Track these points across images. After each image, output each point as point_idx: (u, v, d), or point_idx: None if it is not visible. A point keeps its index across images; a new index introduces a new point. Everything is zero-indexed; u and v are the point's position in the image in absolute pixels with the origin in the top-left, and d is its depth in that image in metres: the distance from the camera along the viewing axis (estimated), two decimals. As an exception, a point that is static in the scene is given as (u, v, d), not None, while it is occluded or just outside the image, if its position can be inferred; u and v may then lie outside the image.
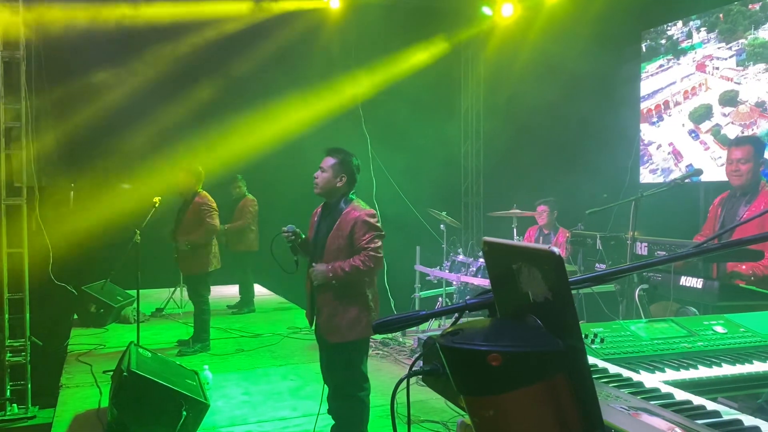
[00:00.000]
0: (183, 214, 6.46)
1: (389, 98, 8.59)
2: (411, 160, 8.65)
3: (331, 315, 3.61)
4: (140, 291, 5.83)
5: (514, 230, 6.73)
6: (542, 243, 6.68)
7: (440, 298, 7.11)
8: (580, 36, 7.39)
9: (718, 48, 6.39)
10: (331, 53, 8.91)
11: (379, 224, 3.63)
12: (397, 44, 9.00)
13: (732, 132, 6.16)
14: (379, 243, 3.56)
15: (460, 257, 6.68)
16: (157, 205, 6.09)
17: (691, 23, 6.67)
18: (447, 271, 6.76)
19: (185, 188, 6.47)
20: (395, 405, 1.33)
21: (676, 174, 6.65)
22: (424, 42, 9.19)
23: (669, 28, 6.95)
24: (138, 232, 5.82)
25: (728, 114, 6.27)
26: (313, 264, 3.62)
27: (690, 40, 6.70)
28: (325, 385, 3.82)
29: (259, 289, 9.21)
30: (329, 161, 3.64)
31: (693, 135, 6.66)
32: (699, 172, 3.78)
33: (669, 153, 6.93)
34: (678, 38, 6.85)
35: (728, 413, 1.24)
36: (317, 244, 3.67)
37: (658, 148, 7.06)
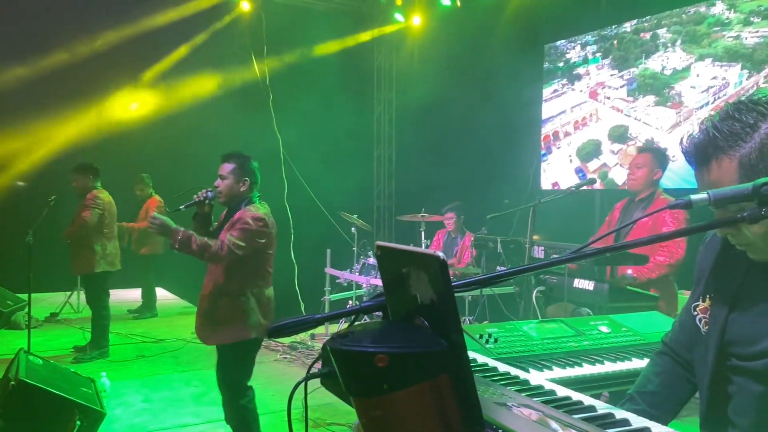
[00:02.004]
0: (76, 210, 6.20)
1: (302, 101, 8.54)
2: (323, 163, 8.63)
3: (207, 315, 3.51)
4: (33, 295, 5.51)
5: (422, 234, 6.86)
6: (449, 246, 6.86)
7: (350, 301, 7.14)
8: (489, 45, 7.66)
9: (611, 75, 6.63)
10: (243, 55, 8.78)
11: (260, 229, 3.44)
12: (309, 47, 8.97)
13: (619, 176, 6.25)
14: (243, 243, 3.36)
15: (371, 260, 6.73)
16: (52, 203, 5.78)
17: (588, 48, 6.99)
18: (357, 273, 6.80)
19: (81, 187, 6.19)
20: (305, 409, 1.33)
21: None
22: (338, 43, 9.22)
23: (567, 50, 7.26)
24: (31, 232, 5.50)
25: (617, 152, 6.38)
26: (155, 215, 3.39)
27: (586, 67, 6.95)
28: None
29: (162, 293, 8.92)
30: (227, 167, 3.53)
31: (580, 174, 6.79)
32: (592, 181, 4.02)
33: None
34: (574, 62, 7.13)
35: (602, 407, 1.33)
36: None
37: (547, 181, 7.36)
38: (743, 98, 1.32)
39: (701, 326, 1.46)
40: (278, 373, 5.57)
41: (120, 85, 8.81)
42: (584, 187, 3.97)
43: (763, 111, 1.26)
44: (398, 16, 9.38)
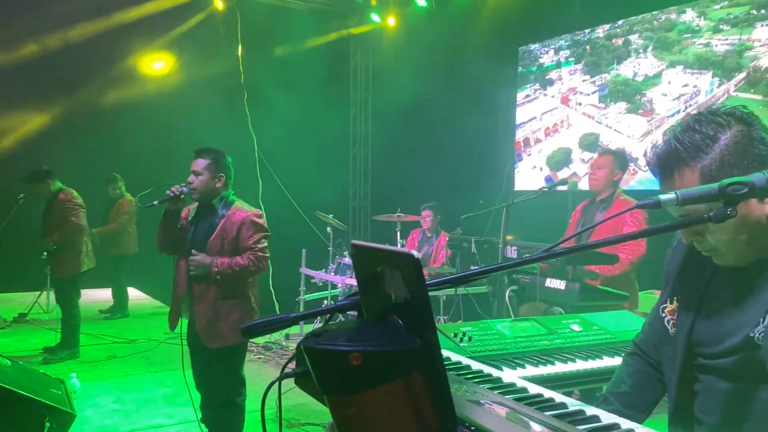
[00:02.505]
0: (48, 213, 6.06)
1: (278, 100, 8.50)
2: (299, 163, 8.60)
3: (212, 319, 3.45)
4: (1, 294, 5.40)
5: (398, 233, 6.87)
6: (424, 246, 6.88)
7: (325, 301, 7.12)
8: (466, 46, 7.71)
9: (583, 81, 6.68)
10: (218, 53, 8.71)
11: (266, 225, 3.57)
12: (285, 46, 8.93)
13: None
14: (266, 244, 3.50)
15: (346, 260, 6.73)
16: (21, 202, 5.67)
17: (561, 52, 7.06)
18: (333, 273, 6.79)
19: (44, 194, 6.07)
20: (279, 409, 1.33)
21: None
22: (314, 43, 9.19)
23: (541, 54, 7.33)
24: (-2, 231, 5.39)
25: (587, 161, 6.35)
26: (193, 251, 3.41)
27: (558, 71, 7.02)
28: (199, 393, 3.68)
29: (134, 293, 8.81)
30: (201, 163, 3.48)
31: (549, 182, 6.79)
32: (565, 182, 4.07)
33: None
34: (546, 66, 7.19)
35: (573, 404, 1.36)
36: (194, 246, 3.48)
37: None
38: (703, 110, 1.35)
39: (669, 327, 1.49)
40: (252, 374, 5.50)
41: (90, 80, 8.66)
42: (557, 188, 4.02)
43: (722, 122, 1.29)
44: (374, 17, 9.39)
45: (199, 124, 7.86)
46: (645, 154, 1.41)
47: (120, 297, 8.26)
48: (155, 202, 3.52)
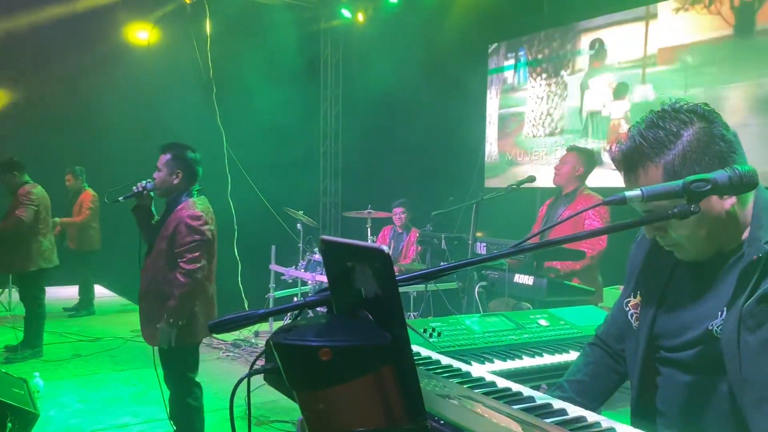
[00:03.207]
0: (9, 206, 5.94)
1: (247, 95, 8.42)
2: (268, 159, 8.53)
3: (153, 316, 3.40)
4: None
5: (369, 230, 6.87)
6: (395, 242, 6.90)
7: (295, 298, 7.09)
8: (436, 43, 7.73)
9: (548, 82, 6.89)
10: (186, 47, 8.58)
11: (204, 228, 3.36)
12: (255, 41, 8.84)
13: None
14: (197, 253, 3.29)
15: (317, 256, 6.70)
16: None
17: (526, 51, 7.17)
18: (303, 270, 6.76)
19: (9, 186, 5.94)
20: (248, 406, 1.32)
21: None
22: (283, 38, 9.12)
23: (509, 53, 7.42)
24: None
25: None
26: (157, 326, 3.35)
27: (528, 68, 7.14)
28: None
29: (100, 290, 8.65)
30: (163, 158, 3.43)
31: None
32: (532, 178, 4.12)
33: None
34: (512, 65, 7.31)
35: (541, 398, 1.38)
36: (151, 244, 3.46)
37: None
38: (667, 106, 1.37)
39: (632, 321, 1.53)
40: (221, 371, 5.49)
41: (53, 68, 8.45)
42: (525, 185, 4.08)
43: (684, 119, 1.32)
44: (345, 12, 9.36)
45: (167, 119, 7.74)
46: (609, 150, 1.44)
47: (85, 294, 8.10)
48: (120, 198, 3.47)
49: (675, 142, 1.31)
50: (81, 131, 8.32)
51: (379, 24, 9.10)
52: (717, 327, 1.31)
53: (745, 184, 1.20)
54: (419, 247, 6.01)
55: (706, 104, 1.36)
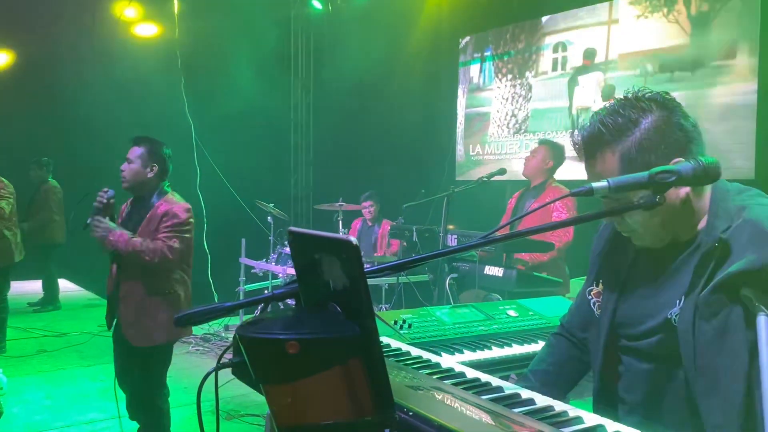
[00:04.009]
0: None
1: (216, 86, 8.30)
2: (238, 150, 8.43)
3: (139, 316, 3.31)
4: None
5: (340, 223, 6.85)
6: (366, 235, 6.89)
7: (266, 291, 7.01)
8: (409, 34, 7.72)
9: (516, 78, 6.95)
10: (154, 36, 8.42)
11: (190, 221, 3.34)
12: (224, 30, 8.71)
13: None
14: (177, 244, 3.23)
15: (287, 249, 6.65)
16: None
17: (494, 46, 7.20)
18: (274, 263, 6.71)
19: None
20: (216, 400, 1.30)
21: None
22: (254, 28, 9.00)
23: (478, 46, 7.45)
24: None
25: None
26: (98, 218, 3.21)
27: (497, 62, 7.18)
28: (123, 392, 3.54)
29: (66, 285, 8.48)
30: (136, 151, 3.36)
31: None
32: (503, 171, 4.15)
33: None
34: (481, 57, 7.34)
35: (509, 388, 1.39)
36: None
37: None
38: (629, 93, 1.39)
39: (595, 310, 1.55)
40: (190, 366, 5.43)
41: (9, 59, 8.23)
42: (495, 177, 4.10)
43: (643, 107, 1.34)
44: (315, 3, 9.28)
45: (134, 110, 7.60)
46: (572, 135, 1.45)
47: (50, 289, 7.94)
48: (88, 221, 3.28)
49: (633, 129, 1.32)
50: (40, 122, 8.11)
51: (351, 14, 9.03)
52: (675, 316, 1.33)
53: (708, 175, 1.22)
54: (404, 243, 6.05)
55: (666, 93, 1.37)
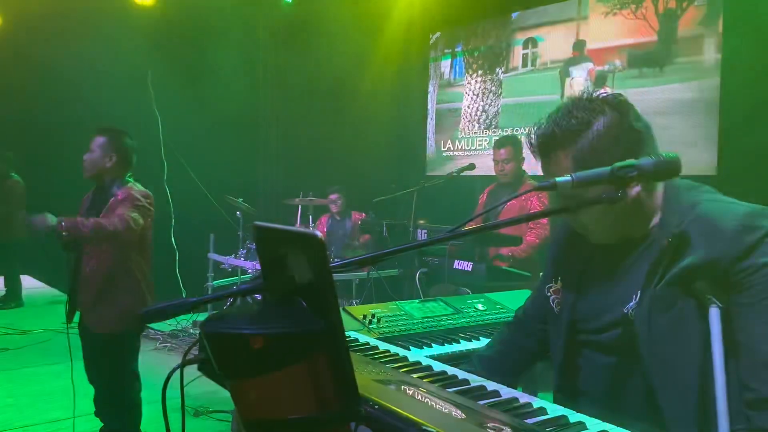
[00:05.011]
0: None
1: (183, 78, 8.16)
2: (206, 144, 8.31)
3: (98, 301, 3.29)
4: None
5: (310, 218, 6.83)
6: (335, 229, 6.87)
7: (234, 287, 6.97)
8: (383, 27, 7.71)
9: (487, 75, 7.00)
10: (119, 28, 8.25)
11: (148, 206, 3.34)
12: (193, 30, 8.58)
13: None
14: (136, 214, 3.21)
15: (257, 244, 6.59)
16: None
17: (464, 42, 7.23)
18: (243, 259, 6.65)
19: None
20: (182, 397, 1.28)
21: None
22: (221, 19, 8.88)
23: (448, 43, 7.47)
24: None
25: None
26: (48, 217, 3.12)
27: (470, 57, 7.21)
28: (92, 387, 3.50)
29: (30, 281, 8.29)
30: (98, 141, 3.36)
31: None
32: (472, 166, 4.18)
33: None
34: (459, 52, 7.36)
35: (476, 381, 1.40)
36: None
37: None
38: (583, 94, 1.40)
39: (554, 306, 1.56)
40: (158, 362, 5.36)
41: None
42: (465, 173, 4.13)
43: (596, 108, 1.35)
44: (285, -4, 9.20)
45: (100, 104, 7.44)
46: (528, 135, 1.46)
47: (12, 285, 7.75)
48: (63, 234, 3.12)
49: (585, 131, 1.33)
50: (1, 116, 7.90)
51: (321, 6, 8.97)
52: (631, 310, 1.35)
53: (669, 171, 1.25)
54: (367, 237, 6.03)
55: (620, 95, 1.39)
